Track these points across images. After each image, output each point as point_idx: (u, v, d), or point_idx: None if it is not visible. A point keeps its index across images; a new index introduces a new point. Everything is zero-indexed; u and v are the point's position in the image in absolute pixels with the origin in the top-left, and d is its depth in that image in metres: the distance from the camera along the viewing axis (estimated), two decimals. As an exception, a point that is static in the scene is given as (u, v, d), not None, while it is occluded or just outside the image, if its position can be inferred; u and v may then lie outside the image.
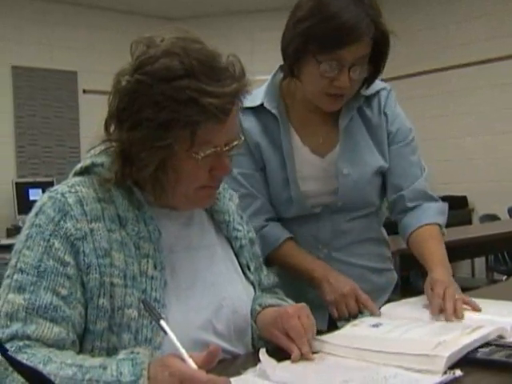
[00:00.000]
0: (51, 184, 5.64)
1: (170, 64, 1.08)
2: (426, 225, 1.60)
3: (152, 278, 1.13)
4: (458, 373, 1.02)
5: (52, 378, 0.94)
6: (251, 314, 1.28)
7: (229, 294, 1.23)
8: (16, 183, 5.93)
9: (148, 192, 1.18)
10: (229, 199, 1.38)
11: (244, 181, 1.63)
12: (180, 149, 1.11)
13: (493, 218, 5.75)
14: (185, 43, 1.11)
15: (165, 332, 0.97)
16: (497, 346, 1.13)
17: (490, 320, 1.27)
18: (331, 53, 1.45)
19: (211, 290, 1.21)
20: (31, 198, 5.80)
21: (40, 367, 0.97)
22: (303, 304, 1.25)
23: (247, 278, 1.32)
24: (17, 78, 6.25)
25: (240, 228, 1.35)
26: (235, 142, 1.17)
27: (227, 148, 1.15)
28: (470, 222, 6.24)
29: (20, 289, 1.07)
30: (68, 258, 1.09)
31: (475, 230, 5.03)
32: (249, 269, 1.33)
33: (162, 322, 0.98)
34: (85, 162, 1.21)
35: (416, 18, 6.70)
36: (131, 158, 1.13)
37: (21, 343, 1.02)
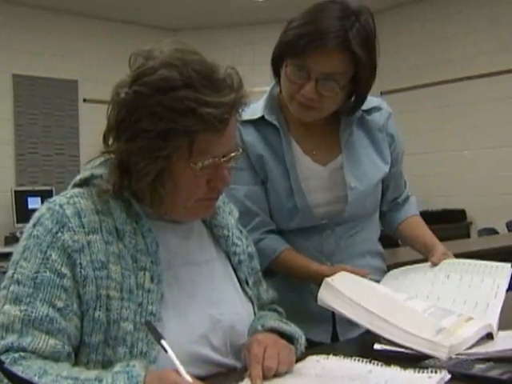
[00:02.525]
0: (50, 192, 5.70)
1: (168, 75, 1.08)
2: (413, 216, 1.84)
3: (149, 291, 1.12)
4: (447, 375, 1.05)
5: None
6: (251, 332, 1.25)
7: (226, 309, 1.22)
8: (15, 191, 5.94)
9: (146, 204, 1.18)
10: (228, 213, 1.37)
11: (243, 197, 1.63)
12: (178, 159, 1.11)
13: (491, 231, 5.75)
14: (183, 54, 1.11)
15: (165, 351, 0.98)
16: (495, 361, 1.12)
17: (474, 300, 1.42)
18: (296, 57, 1.48)
19: (209, 305, 1.20)
20: (30, 206, 5.80)
21: (35, 380, 0.96)
22: (284, 342, 1.22)
23: (245, 293, 1.31)
24: (18, 87, 6.27)
25: (239, 243, 1.35)
26: (233, 154, 1.17)
27: (225, 159, 1.15)
28: (468, 236, 6.24)
29: (16, 300, 1.06)
30: (65, 270, 1.09)
31: (473, 243, 5.01)
32: (247, 284, 1.32)
33: (163, 342, 0.99)
34: (84, 173, 1.21)
35: (415, 31, 6.74)
36: (129, 168, 1.13)
37: (16, 355, 1.01)
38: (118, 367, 0.98)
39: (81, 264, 1.09)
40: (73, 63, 6.59)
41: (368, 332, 1.58)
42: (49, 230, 1.10)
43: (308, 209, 1.63)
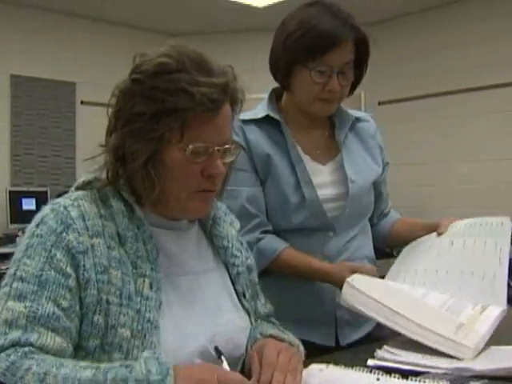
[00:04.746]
0: (45, 194, 5.68)
1: (163, 61, 1.12)
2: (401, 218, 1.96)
3: (147, 298, 1.11)
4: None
5: (70, 381, 0.92)
6: (251, 342, 1.25)
7: (224, 321, 1.21)
8: (9, 192, 5.90)
9: (140, 192, 1.17)
10: (230, 224, 1.37)
11: (244, 200, 1.66)
12: (170, 141, 1.12)
13: (486, 244, 5.74)
14: (179, 48, 1.16)
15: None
16: (490, 379, 1.11)
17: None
18: (319, 59, 1.58)
19: (206, 316, 1.19)
20: (24, 207, 5.76)
21: (53, 371, 0.93)
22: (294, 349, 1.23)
23: (242, 305, 1.30)
24: (15, 87, 6.25)
25: (238, 254, 1.34)
26: (228, 146, 1.17)
27: (219, 148, 1.15)
28: (462, 248, 6.23)
29: (20, 297, 1.03)
30: (69, 270, 1.07)
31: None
32: (244, 296, 1.31)
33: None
34: (87, 176, 1.21)
35: (414, 42, 6.74)
36: (124, 153, 1.14)
37: (26, 349, 0.98)
38: (146, 353, 0.99)
39: (84, 266, 1.08)
40: (71, 65, 6.57)
41: (368, 336, 1.64)
42: (53, 230, 1.09)
43: (317, 201, 1.67)
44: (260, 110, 1.74)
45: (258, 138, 1.68)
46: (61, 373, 0.93)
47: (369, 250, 1.83)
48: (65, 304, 1.05)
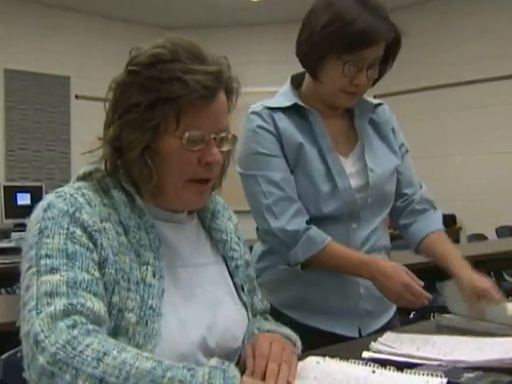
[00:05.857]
0: (40, 189, 5.67)
1: (157, 51, 1.13)
2: (437, 230, 1.79)
3: (150, 285, 1.11)
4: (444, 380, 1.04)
5: (127, 367, 0.89)
6: (248, 336, 1.25)
7: (222, 313, 1.22)
8: (4, 186, 5.89)
9: (139, 183, 1.17)
10: (228, 219, 1.37)
11: (282, 183, 1.65)
12: (166, 130, 1.12)
13: (481, 237, 5.77)
14: (174, 39, 1.16)
15: None
16: (484, 370, 1.12)
17: None
18: (355, 53, 1.59)
19: (205, 308, 1.20)
20: (19, 202, 5.76)
21: (114, 353, 0.91)
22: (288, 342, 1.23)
23: (240, 298, 1.31)
24: (9, 81, 6.24)
25: (237, 248, 1.34)
26: (224, 134, 1.18)
27: (214, 136, 1.16)
28: (457, 241, 6.26)
29: (52, 270, 0.99)
30: (92, 246, 1.06)
31: (462, 249, 5.02)
32: (242, 290, 1.32)
33: None
34: (87, 167, 1.21)
35: (411, 35, 6.74)
36: (121, 144, 1.14)
37: (90, 327, 0.94)
38: (212, 362, 0.95)
39: (102, 245, 1.07)
40: (66, 59, 6.56)
41: (388, 325, 1.71)
42: (65, 211, 1.07)
43: (350, 191, 1.67)
44: (284, 99, 1.73)
45: (288, 126, 1.68)
46: (121, 356, 0.91)
47: (386, 240, 1.83)
48: (96, 274, 1.03)
